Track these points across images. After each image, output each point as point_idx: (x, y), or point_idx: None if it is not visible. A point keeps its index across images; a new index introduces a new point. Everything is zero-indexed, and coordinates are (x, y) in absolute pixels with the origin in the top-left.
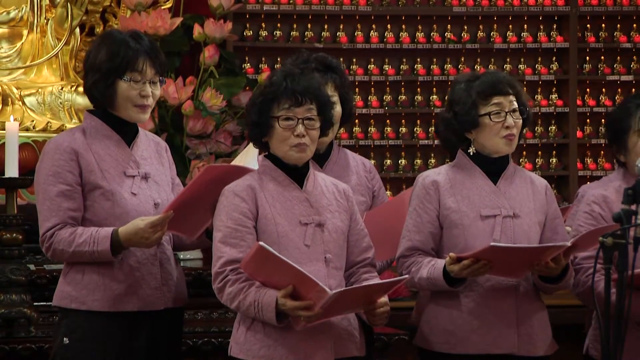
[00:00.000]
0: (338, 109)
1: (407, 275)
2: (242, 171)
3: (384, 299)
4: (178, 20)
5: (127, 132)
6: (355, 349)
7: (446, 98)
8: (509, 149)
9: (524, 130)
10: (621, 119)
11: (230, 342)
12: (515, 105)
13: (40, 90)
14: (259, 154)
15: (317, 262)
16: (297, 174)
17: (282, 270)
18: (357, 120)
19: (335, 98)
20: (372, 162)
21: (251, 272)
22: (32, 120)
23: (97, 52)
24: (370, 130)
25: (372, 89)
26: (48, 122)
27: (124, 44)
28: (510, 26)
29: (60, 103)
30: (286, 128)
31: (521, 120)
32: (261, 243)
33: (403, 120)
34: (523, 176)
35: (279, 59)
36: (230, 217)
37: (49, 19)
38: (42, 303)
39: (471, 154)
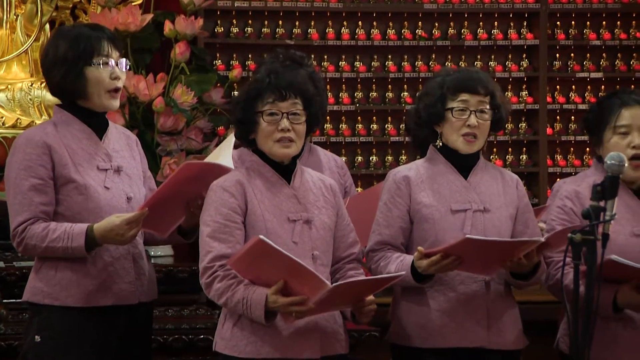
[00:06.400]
0: None
1: (403, 272)
2: (220, 169)
3: (372, 297)
4: (149, 17)
5: (98, 125)
6: (340, 347)
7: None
8: (467, 149)
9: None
10: (602, 113)
11: (215, 337)
12: (485, 106)
13: (9, 86)
14: (235, 148)
15: (305, 259)
16: (284, 170)
17: (278, 265)
18: (328, 117)
19: None
20: (344, 158)
21: (241, 268)
22: (2, 117)
23: (57, 46)
24: (342, 127)
25: (344, 85)
26: (18, 118)
27: (83, 32)
28: (481, 23)
29: (30, 99)
30: (270, 123)
31: (488, 122)
32: (262, 237)
33: (374, 117)
34: (493, 171)
35: (250, 56)
36: (219, 212)
37: (18, 15)
38: (11, 300)
39: (438, 146)
